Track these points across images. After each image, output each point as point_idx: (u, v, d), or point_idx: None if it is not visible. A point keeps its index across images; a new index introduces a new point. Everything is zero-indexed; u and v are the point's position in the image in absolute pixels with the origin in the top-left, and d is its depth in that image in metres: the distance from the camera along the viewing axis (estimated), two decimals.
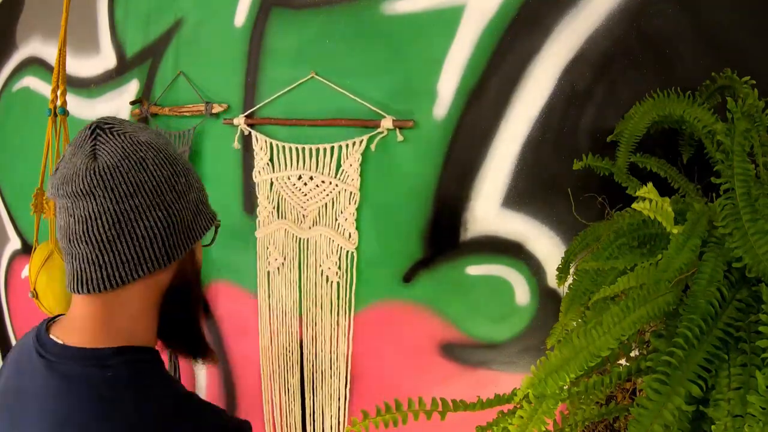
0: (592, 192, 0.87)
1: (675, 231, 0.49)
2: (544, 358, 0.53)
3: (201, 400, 0.66)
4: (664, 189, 0.76)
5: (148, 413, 0.60)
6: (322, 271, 1.16)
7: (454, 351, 1.05)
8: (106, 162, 0.60)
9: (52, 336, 0.65)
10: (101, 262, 0.60)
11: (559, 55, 0.87)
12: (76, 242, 0.60)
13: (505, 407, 0.67)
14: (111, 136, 0.62)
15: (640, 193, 0.50)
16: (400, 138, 1.02)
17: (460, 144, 0.98)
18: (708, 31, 0.77)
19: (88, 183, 0.59)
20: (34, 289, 1.27)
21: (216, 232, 0.75)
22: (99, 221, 0.59)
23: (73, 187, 0.59)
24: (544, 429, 0.57)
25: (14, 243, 2.09)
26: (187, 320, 0.72)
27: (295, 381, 1.23)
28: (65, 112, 1.29)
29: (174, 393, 0.64)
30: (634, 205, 0.51)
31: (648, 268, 0.53)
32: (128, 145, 0.62)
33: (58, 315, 0.71)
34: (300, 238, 1.17)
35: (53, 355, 0.63)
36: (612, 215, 0.83)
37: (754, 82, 0.68)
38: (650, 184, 0.50)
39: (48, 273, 1.25)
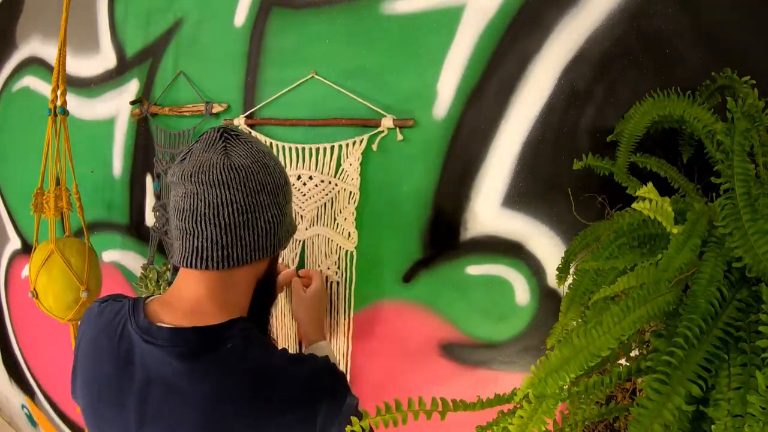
0: (592, 192, 0.87)
1: (675, 231, 0.49)
2: (544, 358, 0.53)
3: (297, 354, 0.76)
4: (664, 189, 0.76)
5: (269, 365, 0.70)
6: (321, 270, 1.16)
7: (454, 351, 1.05)
8: (240, 161, 0.71)
9: (157, 323, 0.70)
10: (224, 243, 0.70)
11: (559, 55, 0.87)
12: (204, 224, 0.70)
13: (505, 407, 0.67)
14: (239, 142, 0.74)
15: (640, 192, 0.50)
16: (400, 137, 1.02)
17: (460, 143, 0.98)
18: (708, 31, 0.77)
19: (225, 175, 0.69)
20: (34, 289, 1.27)
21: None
22: (231, 208, 0.69)
23: (210, 177, 0.69)
24: (544, 429, 0.57)
25: (14, 243, 2.10)
26: (267, 303, 0.85)
27: None
28: (65, 112, 1.29)
29: (277, 348, 0.75)
30: (634, 205, 0.51)
31: (648, 268, 0.53)
32: (255, 152, 0.74)
33: (146, 298, 0.77)
34: (297, 240, 1.17)
35: (166, 340, 0.68)
36: (612, 215, 0.83)
37: (754, 82, 0.68)
38: (650, 184, 0.50)
39: (48, 273, 1.25)
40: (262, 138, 1.19)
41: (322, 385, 0.72)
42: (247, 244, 0.71)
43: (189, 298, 0.73)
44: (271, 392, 0.68)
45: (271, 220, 0.73)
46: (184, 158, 0.73)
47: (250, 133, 1.21)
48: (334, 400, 0.72)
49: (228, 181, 0.69)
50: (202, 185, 0.69)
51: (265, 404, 0.68)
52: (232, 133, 0.75)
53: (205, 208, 0.69)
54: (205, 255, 0.70)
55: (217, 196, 0.69)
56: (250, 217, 0.71)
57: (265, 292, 0.81)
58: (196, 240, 0.70)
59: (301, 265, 1.19)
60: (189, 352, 0.68)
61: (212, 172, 0.69)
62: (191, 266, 0.71)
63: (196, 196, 0.70)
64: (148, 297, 0.77)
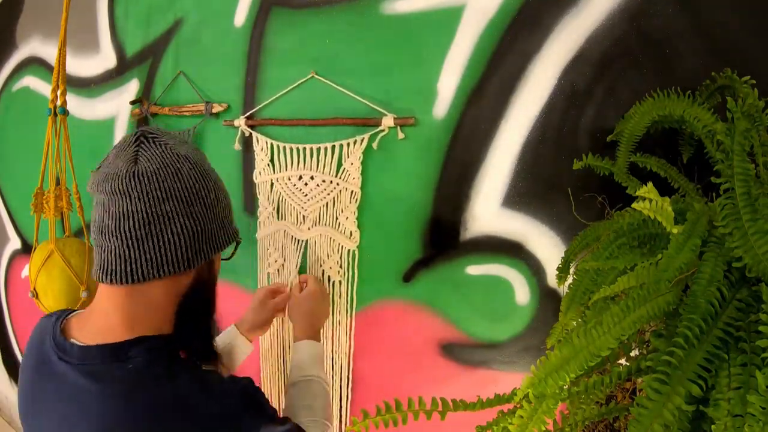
0: (592, 192, 0.87)
1: (675, 231, 0.49)
2: (544, 358, 0.53)
3: (215, 376, 0.71)
4: (664, 189, 0.76)
5: (167, 393, 0.64)
6: (323, 270, 1.16)
7: (454, 351, 1.05)
8: (145, 167, 0.66)
9: (71, 339, 0.68)
10: (127, 257, 0.65)
11: (559, 55, 0.87)
12: (107, 235, 0.66)
13: (505, 407, 0.67)
14: (153, 145, 0.68)
15: (640, 192, 0.50)
16: (401, 136, 1.02)
17: (460, 143, 0.98)
18: (708, 31, 0.77)
19: (126, 184, 0.65)
20: (34, 289, 1.27)
21: (236, 247, 0.81)
22: (131, 220, 0.65)
23: (112, 186, 0.65)
24: (544, 429, 0.57)
25: (14, 243, 2.10)
26: (199, 322, 0.75)
27: None
28: (65, 112, 1.29)
29: (192, 372, 0.69)
30: (634, 205, 0.51)
31: (648, 268, 0.53)
32: (167, 155, 0.68)
33: (67, 313, 0.74)
34: (300, 240, 1.17)
35: (76, 358, 0.66)
36: (612, 215, 0.83)
37: (754, 81, 0.68)
38: (650, 184, 0.50)
39: (48, 273, 1.25)
40: (263, 139, 1.19)
41: (227, 415, 0.66)
42: (152, 258, 0.66)
43: (99, 314, 0.69)
44: (167, 420, 0.63)
45: (181, 232, 0.67)
46: (100, 165, 0.70)
47: (251, 134, 1.21)
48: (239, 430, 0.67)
49: (129, 191, 0.65)
50: (107, 194, 0.66)
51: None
52: (150, 135, 0.70)
53: (108, 219, 0.66)
54: (109, 269, 0.66)
55: (119, 206, 0.65)
56: (152, 228, 0.65)
57: (191, 312, 0.73)
58: (102, 252, 0.67)
59: (304, 264, 1.19)
60: (93, 371, 0.65)
61: (115, 181, 0.65)
62: (99, 279, 0.67)
63: (102, 206, 0.67)
64: (72, 312, 0.75)
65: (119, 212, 0.65)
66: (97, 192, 0.67)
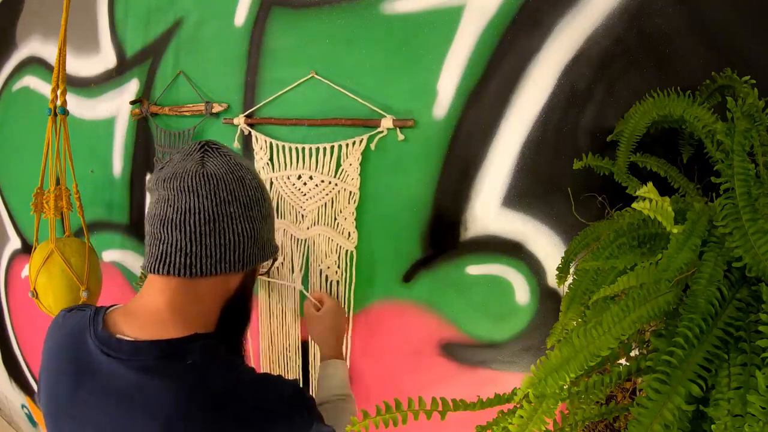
0: (592, 191, 0.87)
1: (675, 230, 0.49)
2: (544, 358, 0.53)
3: (263, 374, 0.74)
4: (664, 188, 0.76)
5: (228, 385, 0.67)
6: (321, 270, 1.16)
7: (454, 350, 1.05)
8: (213, 170, 0.70)
9: (118, 335, 0.69)
10: (188, 251, 0.68)
11: (559, 55, 0.87)
12: (171, 229, 0.68)
13: (505, 407, 0.67)
14: (217, 154, 0.73)
15: (640, 192, 0.50)
16: (400, 137, 1.02)
17: (460, 143, 0.98)
18: (708, 31, 0.77)
19: (196, 182, 0.69)
20: (34, 289, 1.27)
21: (272, 264, 0.85)
22: (197, 215, 0.68)
23: (181, 183, 0.69)
24: (544, 429, 0.57)
25: (14, 243, 2.10)
26: (240, 321, 0.81)
27: (295, 380, 1.23)
28: (65, 112, 1.29)
29: (243, 367, 0.72)
30: (634, 205, 0.51)
31: (648, 268, 0.53)
32: (232, 164, 0.73)
33: (106, 308, 0.74)
34: (298, 239, 1.17)
35: (126, 354, 0.67)
36: (612, 215, 0.83)
37: (754, 81, 0.68)
38: (650, 184, 0.50)
39: (48, 273, 1.25)
40: (262, 137, 1.19)
41: (281, 411, 0.70)
42: (212, 254, 0.69)
43: (150, 308, 0.71)
44: (226, 412, 0.66)
45: (242, 234, 0.71)
46: (163, 167, 0.73)
47: (250, 133, 1.21)
48: (291, 428, 0.70)
49: (198, 188, 0.69)
50: (173, 191, 0.69)
51: (220, 425, 0.66)
52: (213, 146, 0.74)
53: (173, 214, 0.68)
54: (168, 260, 0.69)
55: (185, 201, 0.68)
56: (216, 226, 0.69)
57: (235, 313, 0.77)
58: (162, 245, 0.69)
59: (305, 263, 1.19)
60: (147, 367, 0.66)
61: (184, 179, 0.69)
62: (155, 271, 0.69)
63: (166, 201, 0.69)
64: (111, 306, 0.75)
65: (186, 208, 0.68)
66: (161, 189, 0.70)
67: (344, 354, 1.11)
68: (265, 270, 0.86)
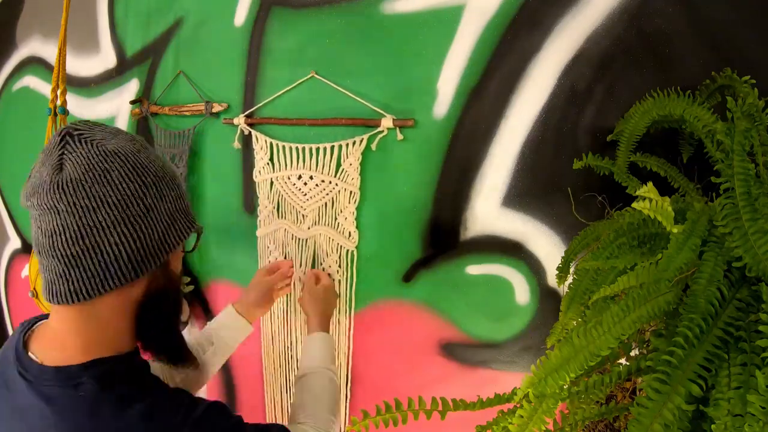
0: (592, 191, 0.87)
1: (675, 230, 0.49)
2: (544, 358, 0.53)
3: (175, 401, 0.66)
4: (664, 188, 0.76)
5: (126, 422, 0.60)
6: (323, 269, 1.16)
7: (454, 350, 1.05)
8: (70, 174, 0.59)
9: (30, 353, 0.64)
10: (68, 276, 0.60)
11: (559, 55, 0.87)
12: (45, 254, 0.61)
13: (505, 407, 0.67)
14: (79, 145, 0.61)
15: (640, 192, 0.50)
16: (400, 137, 1.02)
17: (460, 143, 0.98)
18: (708, 30, 0.77)
19: (51, 197, 0.58)
20: (34, 289, 1.27)
21: (198, 238, 0.75)
22: (63, 236, 0.59)
23: (39, 200, 0.59)
24: (544, 428, 0.57)
25: (14, 242, 2.09)
26: (163, 328, 0.70)
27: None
28: (65, 112, 1.29)
29: (132, 404, 0.62)
30: (634, 205, 0.51)
31: (648, 268, 0.53)
32: (94, 155, 0.60)
33: (37, 320, 0.70)
34: (299, 239, 1.17)
35: (33, 377, 0.63)
36: (612, 214, 0.83)
37: (754, 81, 0.68)
38: (650, 184, 0.50)
39: None
40: (262, 137, 1.19)
41: None
42: (93, 275, 0.60)
43: (53, 330, 0.65)
44: None
45: (119, 241, 0.60)
46: (30, 174, 0.63)
47: (250, 133, 1.21)
48: None
49: (56, 204, 0.58)
50: (36, 209, 0.60)
51: None
52: (75, 132, 0.62)
53: (42, 237, 0.60)
54: (53, 289, 0.61)
55: (49, 222, 0.59)
56: (87, 243, 0.59)
57: (153, 321, 0.68)
58: (45, 272, 0.62)
59: (302, 264, 1.19)
60: (46, 394, 0.61)
61: (41, 195, 0.59)
62: (47, 300, 0.62)
63: (36, 223, 0.61)
64: (41, 319, 0.70)
65: (51, 229, 0.59)
66: (28, 207, 0.62)
67: (330, 329, 1.10)
68: (191, 249, 0.75)
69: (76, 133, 0.62)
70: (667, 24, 0.79)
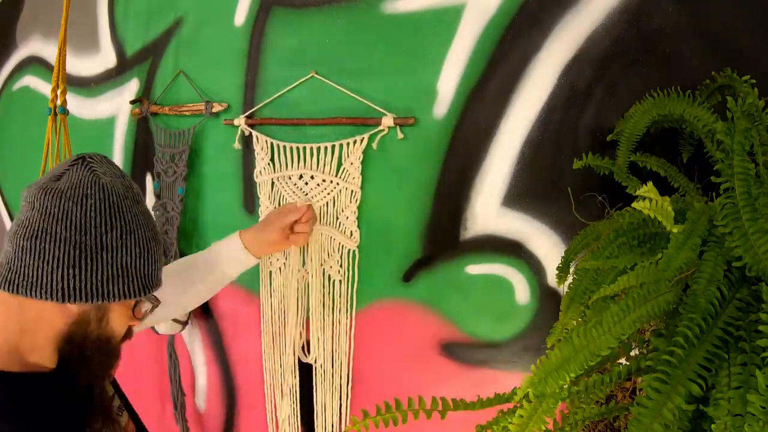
0: (592, 191, 0.87)
1: (675, 230, 0.49)
2: (544, 358, 0.53)
3: None
4: (664, 188, 0.76)
5: None
6: (324, 270, 1.16)
7: (454, 350, 1.05)
8: (60, 186, 0.65)
9: None
10: (11, 265, 0.64)
11: (559, 54, 0.87)
12: (8, 239, 0.66)
13: (505, 406, 0.67)
14: (81, 168, 0.66)
15: (640, 192, 0.50)
16: (400, 136, 1.02)
17: (460, 143, 0.98)
18: (708, 30, 0.77)
19: (34, 195, 0.65)
20: None
21: (152, 309, 0.75)
22: (24, 228, 0.64)
23: (28, 193, 0.66)
24: (544, 428, 0.57)
25: None
26: (75, 370, 0.69)
27: (296, 380, 1.23)
28: (65, 112, 1.29)
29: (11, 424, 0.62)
30: (634, 204, 0.51)
31: (648, 267, 0.53)
32: (86, 180, 0.65)
33: None
34: None
35: None
36: (612, 214, 0.83)
37: (754, 81, 0.68)
38: (650, 183, 0.50)
39: None
40: (263, 138, 1.19)
41: None
42: (30, 274, 0.63)
43: None
44: None
45: (62, 258, 0.62)
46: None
47: (250, 134, 1.21)
48: None
49: (34, 201, 0.64)
50: (23, 200, 0.66)
51: None
52: (88, 158, 0.68)
53: (13, 225, 0.66)
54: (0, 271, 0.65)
55: (23, 213, 0.65)
56: (37, 244, 0.62)
57: (70, 357, 0.67)
58: (1, 255, 0.67)
59: (304, 264, 1.19)
60: None
61: (31, 189, 0.65)
62: None
63: (18, 212, 0.67)
64: None
65: (20, 219, 0.65)
66: (21, 197, 0.68)
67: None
68: (138, 317, 0.74)
69: (88, 159, 0.68)
70: (667, 24, 0.79)
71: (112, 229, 0.65)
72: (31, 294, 0.63)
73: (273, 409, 1.30)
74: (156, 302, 0.73)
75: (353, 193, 1.09)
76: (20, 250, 0.63)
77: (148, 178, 1.50)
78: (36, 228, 0.63)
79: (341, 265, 1.13)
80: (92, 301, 0.65)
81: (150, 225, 0.71)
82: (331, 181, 1.11)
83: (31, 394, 0.66)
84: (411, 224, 1.05)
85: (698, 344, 0.50)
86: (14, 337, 0.66)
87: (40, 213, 0.63)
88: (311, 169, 1.14)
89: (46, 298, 0.63)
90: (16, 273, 0.63)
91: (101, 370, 0.71)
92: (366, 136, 1.06)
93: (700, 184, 0.76)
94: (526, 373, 0.54)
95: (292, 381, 1.24)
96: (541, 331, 0.96)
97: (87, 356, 0.69)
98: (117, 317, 0.71)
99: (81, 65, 1.64)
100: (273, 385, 1.29)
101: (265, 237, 1.03)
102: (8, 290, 0.64)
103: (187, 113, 1.34)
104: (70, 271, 0.63)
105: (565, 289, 0.78)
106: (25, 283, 0.63)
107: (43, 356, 0.67)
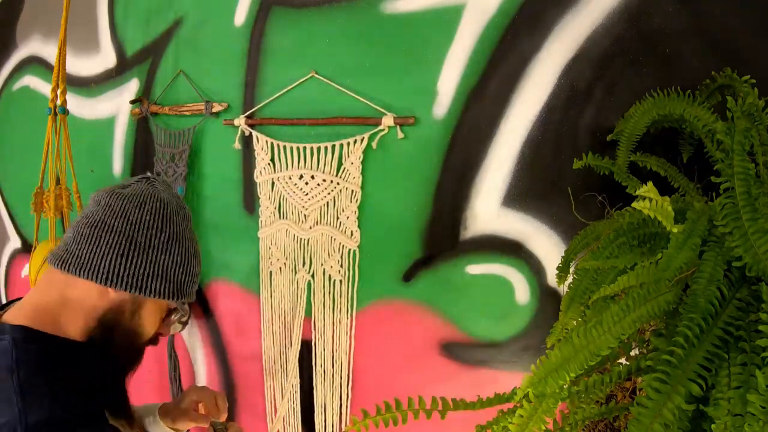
0: (592, 191, 0.87)
1: (675, 230, 0.49)
2: (544, 357, 0.53)
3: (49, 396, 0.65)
4: (664, 188, 0.76)
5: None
6: (324, 269, 1.16)
7: (454, 350, 1.05)
8: (125, 192, 0.74)
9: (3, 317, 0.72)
10: (69, 247, 0.72)
11: (559, 54, 0.87)
12: (70, 228, 0.74)
13: (505, 406, 0.67)
14: (144, 183, 0.77)
15: (640, 192, 0.50)
16: (401, 135, 1.02)
17: (460, 142, 0.98)
18: (708, 30, 0.77)
19: (101, 196, 0.74)
20: None
21: (186, 321, 0.79)
22: (86, 218, 0.73)
23: (97, 195, 0.75)
24: (544, 428, 0.57)
25: (14, 242, 2.10)
26: (103, 353, 0.72)
27: (296, 379, 1.24)
28: (65, 111, 1.29)
29: (25, 376, 0.64)
30: (634, 204, 0.51)
31: (648, 267, 0.53)
32: (147, 191, 0.76)
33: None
34: (301, 238, 1.17)
35: None
36: (612, 214, 0.83)
37: (754, 81, 0.68)
38: (650, 183, 0.50)
39: None
40: (263, 138, 1.19)
41: None
42: (82, 255, 0.70)
43: (29, 295, 0.73)
44: None
45: (113, 248, 0.70)
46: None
47: (250, 134, 1.21)
48: None
49: (101, 200, 0.74)
50: (91, 199, 0.76)
51: None
52: (152, 178, 0.79)
53: (78, 217, 0.75)
54: (55, 252, 0.73)
55: (89, 208, 0.74)
56: (95, 231, 0.71)
57: (101, 338, 0.72)
58: (61, 241, 0.74)
59: (308, 262, 1.19)
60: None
61: (99, 193, 0.75)
62: (47, 260, 0.74)
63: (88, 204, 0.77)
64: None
65: (86, 213, 0.74)
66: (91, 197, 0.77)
67: None
68: (166, 326, 0.81)
69: (152, 178, 0.79)
70: (667, 24, 0.79)
71: (161, 232, 0.74)
72: (79, 273, 0.70)
73: (273, 409, 1.30)
74: (185, 319, 0.79)
75: (353, 193, 1.09)
76: (79, 235, 0.71)
77: None
78: (97, 219, 0.72)
79: (341, 265, 1.13)
80: (131, 291, 0.72)
81: (194, 241, 0.80)
82: (332, 181, 1.11)
83: (62, 355, 0.70)
84: (411, 224, 1.05)
85: (698, 344, 0.50)
86: (56, 307, 0.71)
87: (103, 208, 0.72)
88: (311, 168, 1.14)
89: (92, 279, 0.70)
90: (70, 254, 0.71)
91: (122, 361, 0.77)
92: (366, 135, 1.06)
93: (700, 184, 0.76)
94: (526, 373, 0.54)
95: (292, 381, 1.24)
96: (541, 330, 0.96)
97: (113, 344, 0.74)
98: (148, 316, 0.77)
99: (81, 65, 1.64)
100: (273, 385, 1.29)
101: (177, 413, 0.94)
102: (60, 267, 0.71)
103: (187, 113, 1.34)
104: (118, 259, 0.71)
105: (565, 289, 0.78)
106: (76, 262, 0.70)
107: (76, 330, 0.72)
